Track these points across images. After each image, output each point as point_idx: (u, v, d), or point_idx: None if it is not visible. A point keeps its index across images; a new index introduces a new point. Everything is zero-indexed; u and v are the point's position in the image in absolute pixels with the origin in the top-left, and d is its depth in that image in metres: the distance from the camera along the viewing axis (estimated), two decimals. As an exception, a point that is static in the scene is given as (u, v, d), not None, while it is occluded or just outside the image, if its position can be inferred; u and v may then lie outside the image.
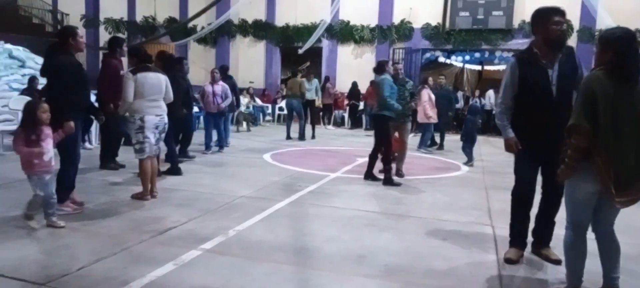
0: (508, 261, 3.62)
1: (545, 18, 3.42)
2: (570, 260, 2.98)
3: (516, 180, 3.70)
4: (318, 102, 13.86)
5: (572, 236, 2.93)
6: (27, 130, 3.93)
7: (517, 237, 3.72)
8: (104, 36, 18.90)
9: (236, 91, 10.17)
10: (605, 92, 2.72)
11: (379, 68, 6.77)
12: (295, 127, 11.78)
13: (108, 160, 6.82)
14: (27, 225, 3.95)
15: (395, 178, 6.66)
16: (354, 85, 15.90)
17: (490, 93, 15.77)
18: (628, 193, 2.74)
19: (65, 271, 3.13)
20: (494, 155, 9.99)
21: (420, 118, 10.22)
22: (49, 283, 2.96)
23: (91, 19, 19.00)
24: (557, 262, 3.57)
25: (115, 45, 6.82)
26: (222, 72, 9.67)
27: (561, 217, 3.36)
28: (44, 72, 4.63)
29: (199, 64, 17.04)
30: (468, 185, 6.76)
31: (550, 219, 3.72)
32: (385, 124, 6.58)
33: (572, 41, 14.11)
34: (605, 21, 12.11)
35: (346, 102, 16.27)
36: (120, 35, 18.49)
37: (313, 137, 11.96)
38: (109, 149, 6.92)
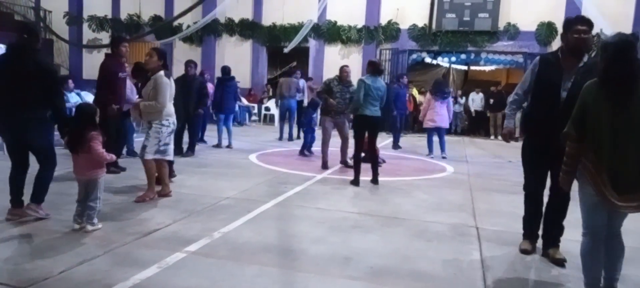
0: (523, 252, 3.91)
1: (568, 27, 3.64)
2: (588, 267, 2.91)
3: (524, 177, 3.98)
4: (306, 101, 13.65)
5: (589, 243, 2.87)
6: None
7: (527, 230, 4.02)
8: (88, 34, 18.65)
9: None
10: (596, 101, 2.75)
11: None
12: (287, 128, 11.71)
13: (112, 163, 6.17)
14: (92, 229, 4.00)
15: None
16: None
17: (473, 95, 15.90)
18: (633, 199, 2.68)
19: (47, 274, 3.08)
20: (480, 156, 9.96)
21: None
22: (30, 286, 2.90)
23: (74, 16, 18.69)
24: (561, 263, 3.66)
25: (117, 45, 6.45)
26: (223, 72, 10.22)
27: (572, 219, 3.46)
28: (45, 75, 4.10)
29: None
30: (454, 187, 6.80)
31: (556, 222, 3.82)
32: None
33: (555, 43, 14.29)
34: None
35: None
36: (104, 33, 18.33)
37: (298, 137, 11.95)
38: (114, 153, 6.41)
